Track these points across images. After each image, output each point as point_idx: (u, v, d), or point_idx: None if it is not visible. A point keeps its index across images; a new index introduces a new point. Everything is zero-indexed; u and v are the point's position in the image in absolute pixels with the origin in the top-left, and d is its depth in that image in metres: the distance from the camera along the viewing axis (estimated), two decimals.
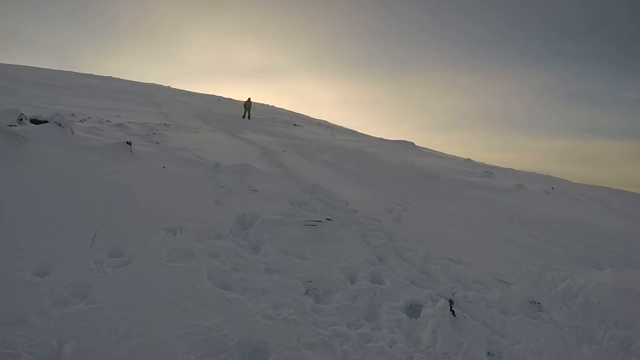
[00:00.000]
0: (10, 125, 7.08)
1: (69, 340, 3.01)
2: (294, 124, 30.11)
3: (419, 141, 32.71)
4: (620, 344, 4.53)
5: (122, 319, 3.30)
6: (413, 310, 4.35)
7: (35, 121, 8.39)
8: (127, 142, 7.93)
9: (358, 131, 36.57)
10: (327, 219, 6.15)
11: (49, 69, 46.61)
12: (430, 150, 28.49)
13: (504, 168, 22.78)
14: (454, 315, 4.15)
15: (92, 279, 3.73)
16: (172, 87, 53.34)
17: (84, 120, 13.25)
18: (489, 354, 3.91)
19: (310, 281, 4.46)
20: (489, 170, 18.10)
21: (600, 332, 4.70)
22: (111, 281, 3.74)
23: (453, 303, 4.44)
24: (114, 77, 50.98)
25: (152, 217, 5.20)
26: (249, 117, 29.03)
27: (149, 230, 4.85)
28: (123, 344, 3.05)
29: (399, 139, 27.99)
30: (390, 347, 3.59)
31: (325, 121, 41.77)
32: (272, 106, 49.52)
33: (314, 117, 44.01)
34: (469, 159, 24.52)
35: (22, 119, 7.94)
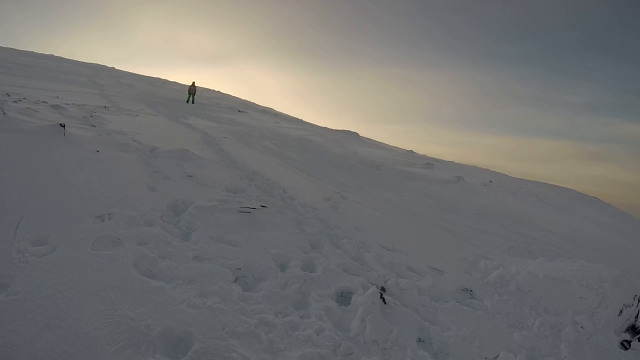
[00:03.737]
0: None
1: None
2: (239, 110, 29.63)
3: (363, 132, 32.97)
4: (551, 329, 4.67)
5: (43, 310, 3.12)
6: (344, 298, 4.32)
7: None
8: (60, 125, 7.53)
9: (304, 120, 36.45)
10: (262, 206, 6.04)
11: None
12: (374, 141, 28.74)
13: (445, 161, 23.28)
14: (385, 303, 4.14)
15: (13, 268, 3.51)
16: (116, 68, 51.45)
17: (19, 100, 12.56)
18: (419, 340, 3.94)
19: (240, 269, 4.35)
20: (430, 162, 18.45)
21: (531, 319, 4.83)
22: (33, 271, 3.53)
23: (385, 290, 4.44)
24: (55, 55, 48.69)
25: (81, 204, 4.96)
26: (192, 102, 28.44)
27: (76, 217, 4.61)
28: (42, 336, 2.89)
29: (344, 129, 28.11)
30: (318, 335, 3.54)
31: (271, 109, 41.39)
32: (218, 91, 48.68)
33: (260, 104, 43.55)
34: (412, 150, 24.92)
35: None
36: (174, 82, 47.80)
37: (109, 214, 4.85)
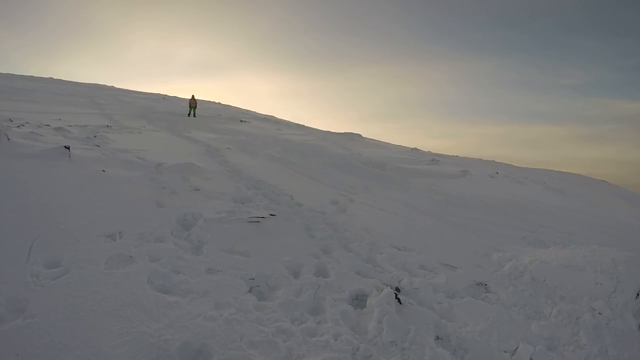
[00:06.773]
0: None
1: (7, 358, 2.86)
2: (240, 120, 29.62)
3: (364, 132, 32.97)
4: (568, 317, 4.66)
5: (61, 331, 3.13)
6: (359, 300, 4.31)
7: None
8: (65, 147, 7.54)
9: (305, 125, 36.43)
10: (270, 215, 6.05)
11: None
12: (377, 141, 28.69)
13: (450, 155, 23.23)
14: (400, 303, 4.12)
15: (28, 292, 3.53)
16: (115, 87, 51.60)
17: (22, 125, 12.55)
18: (437, 338, 3.91)
19: (253, 278, 4.36)
20: (435, 158, 18.41)
21: (548, 308, 4.81)
22: (48, 293, 3.55)
23: (399, 291, 4.43)
24: (55, 78, 48.89)
25: (90, 224, 4.96)
26: (194, 115, 28.47)
27: (86, 237, 4.62)
28: (62, 358, 2.90)
29: (346, 131, 28.08)
30: (336, 340, 3.54)
31: (272, 116, 41.39)
32: (219, 103, 48.79)
33: (261, 112, 43.57)
34: (416, 148, 24.87)
35: None
36: (174, 96, 47.86)
37: (119, 232, 4.86)
